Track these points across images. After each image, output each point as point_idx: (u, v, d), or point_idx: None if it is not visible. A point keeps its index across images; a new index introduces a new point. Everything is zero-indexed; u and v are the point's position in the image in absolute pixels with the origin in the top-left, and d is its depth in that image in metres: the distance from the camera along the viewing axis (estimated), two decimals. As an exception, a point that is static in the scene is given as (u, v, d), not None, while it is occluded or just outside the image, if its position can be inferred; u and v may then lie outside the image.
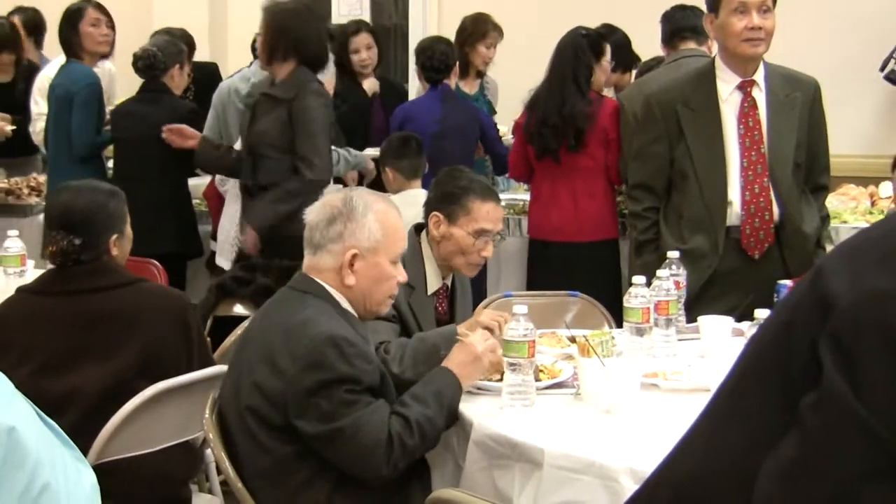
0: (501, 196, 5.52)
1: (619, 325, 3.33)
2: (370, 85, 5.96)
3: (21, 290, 3.13)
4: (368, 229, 2.66)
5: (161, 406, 2.94)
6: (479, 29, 6.05)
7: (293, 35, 4.42)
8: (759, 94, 3.89)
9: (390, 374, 2.82)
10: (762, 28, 3.77)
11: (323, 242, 2.67)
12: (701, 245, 3.87)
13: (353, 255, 2.65)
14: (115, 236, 3.10)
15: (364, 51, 5.93)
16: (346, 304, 2.68)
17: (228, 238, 4.82)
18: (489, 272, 5.23)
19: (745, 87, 3.88)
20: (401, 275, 2.74)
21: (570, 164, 4.90)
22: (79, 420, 2.89)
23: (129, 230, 3.19)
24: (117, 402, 2.90)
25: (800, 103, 3.91)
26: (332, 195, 2.78)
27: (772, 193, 3.84)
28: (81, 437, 2.74)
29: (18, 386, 1.48)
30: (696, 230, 3.90)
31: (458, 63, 5.67)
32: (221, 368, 3.02)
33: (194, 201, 5.41)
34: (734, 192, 3.85)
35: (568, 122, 4.82)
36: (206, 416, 2.68)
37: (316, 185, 4.29)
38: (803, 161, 3.93)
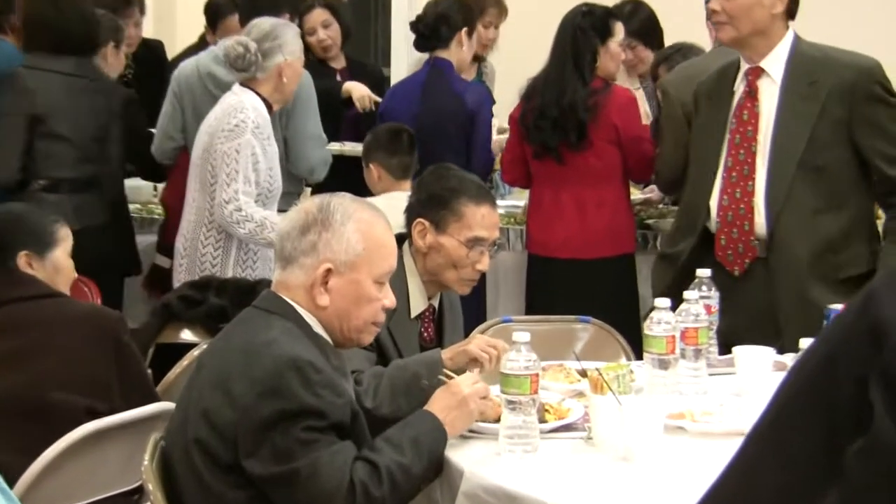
0: (500, 203, 5.50)
1: (639, 357, 3.33)
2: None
3: None
4: (347, 240, 2.67)
5: (94, 451, 2.94)
6: (475, 4, 6.00)
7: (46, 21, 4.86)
8: (769, 84, 3.87)
9: (362, 410, 2.82)
10: (721, 11, 3.81)
11: (294, 255, 2.69)
12: (680, 251, 3.97)
13: (326, 269, 2.66)
14: (25, 252, 3.35)
15: (321, 30, 5.86)
16: (319, 329, 2.69)
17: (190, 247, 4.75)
18: (488, 292, 5.22)
19: (749, 74, 3.90)
20: (388, 298, 2.74)
21: (575, 166, 4.89)
22: None
23: (59, 258, 3.41)
24: (34, 414, 3.02)
25: (826, 93, 3.80)
26: (309, 200, 2.79)
27: (756, 200, 3.83)
28: None
29: None
30: (683, 234, 4.02)
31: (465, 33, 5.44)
32: (164, 406, 3.04)
33: (132, 207, 5.42)
34: (714, 196, 3.91)
35: (568, 113, 4.80)
36: (146, 461, 2.65)
37: None
38: (831, 165, 3.82)
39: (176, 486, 2.62)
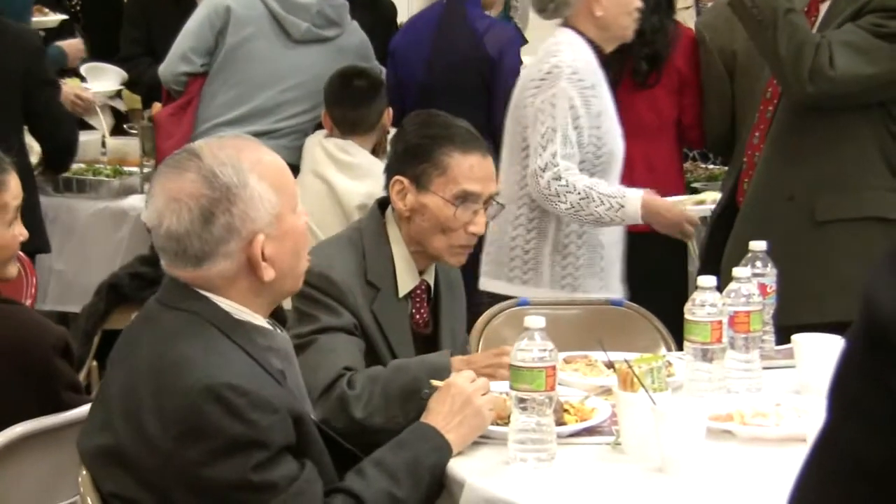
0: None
1: (683, 348, 3.31)
2: None
3: None
4: (259, 198, 2.57)
5: (14, 462, 2.95)
6: None
7: None
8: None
9: (349, 420, 2.84)
10: None
11: (209, 249, 2.57)
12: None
13: (261, 241, 2.57)
14: None
15: None
16: (241, 313, 2.61)
17: None
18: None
19: None
20: (304, 213, 2.70)
21: (626, 116, 4.86)
22: None
23: None
24: None
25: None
26: (180, 181, 2.58)
27: None
28: None
29: None
30: (727, 176, 4.28)
31: None
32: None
33: (74, 167, 5.51)
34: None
35: (646, 40, 4.80)
36: (83, 472, 2.64)
37: None
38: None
39: None
